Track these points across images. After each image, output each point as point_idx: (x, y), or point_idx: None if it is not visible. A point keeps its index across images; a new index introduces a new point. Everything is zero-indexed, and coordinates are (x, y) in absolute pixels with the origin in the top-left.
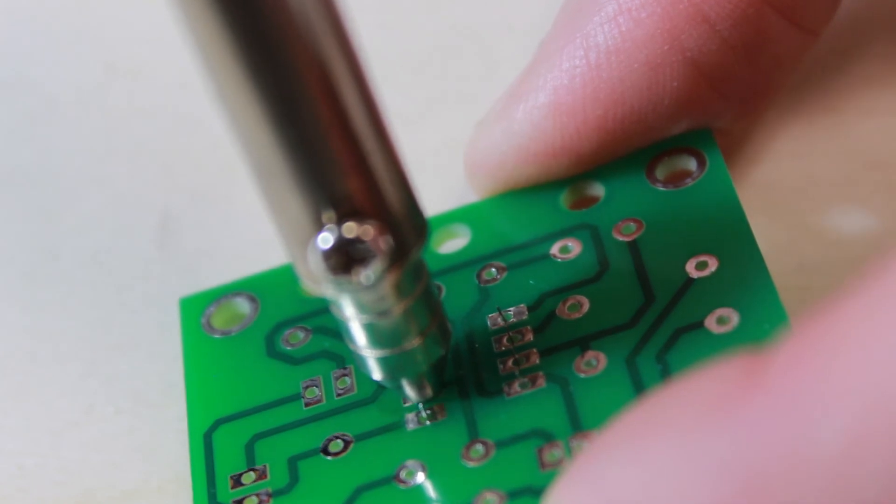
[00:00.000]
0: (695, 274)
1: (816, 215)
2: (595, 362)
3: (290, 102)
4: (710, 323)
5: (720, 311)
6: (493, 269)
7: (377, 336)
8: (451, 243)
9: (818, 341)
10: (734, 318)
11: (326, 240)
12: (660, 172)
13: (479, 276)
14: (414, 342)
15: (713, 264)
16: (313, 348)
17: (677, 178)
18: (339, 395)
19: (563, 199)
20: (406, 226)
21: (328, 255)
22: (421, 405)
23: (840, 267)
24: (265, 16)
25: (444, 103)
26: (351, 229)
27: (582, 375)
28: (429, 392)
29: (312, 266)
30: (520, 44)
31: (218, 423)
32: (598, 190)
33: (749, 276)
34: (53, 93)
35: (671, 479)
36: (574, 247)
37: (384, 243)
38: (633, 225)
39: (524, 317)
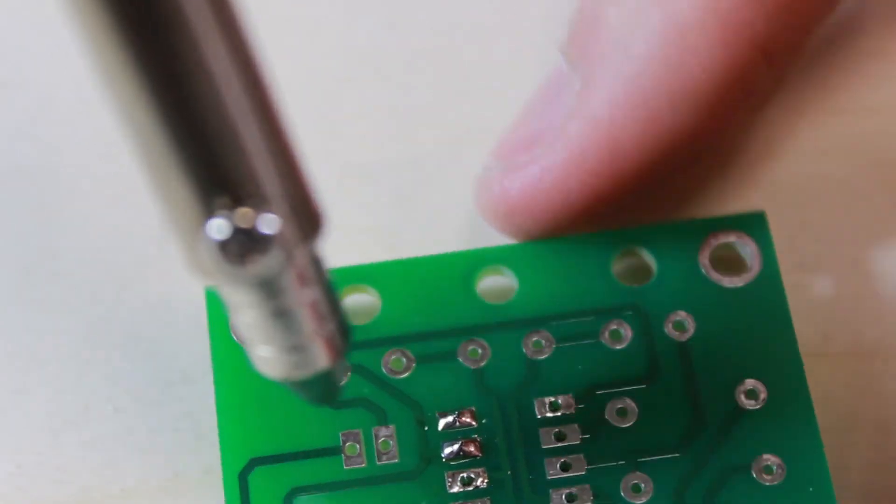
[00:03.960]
0: (744, 403)
1: (817, 214)
2: (643, 487)
3: (176, 82)
4: (758, 470)
5: (767, 459)
6: (542, 341)
7: (271, 333)
8: (493, 280)
9: None
10: (780, 470)
11: (220, 228)
12: (713, 255)
13: (526, 345)
14: (308, 341)
15: (762, 394)
16: (353, 392)
17: (731, 264)
18: (381, 460)
19: (613, 264)
20: (303, 215)
21: (222, 244)
22: (469, 502)
23: (840, 266)
24: None
25: (445, 103)
26: (246, 217)
27: (629, 501)
28: (325, 397)
29: (204, 256)
30: (520, 43)
31: (253, 464)
32: (648, 260)
33: (796, 415)
34: (52, 90)
35: None
36: (625, 333)
37: (281, 232)
38: (685, 322)
39: (572, 410)
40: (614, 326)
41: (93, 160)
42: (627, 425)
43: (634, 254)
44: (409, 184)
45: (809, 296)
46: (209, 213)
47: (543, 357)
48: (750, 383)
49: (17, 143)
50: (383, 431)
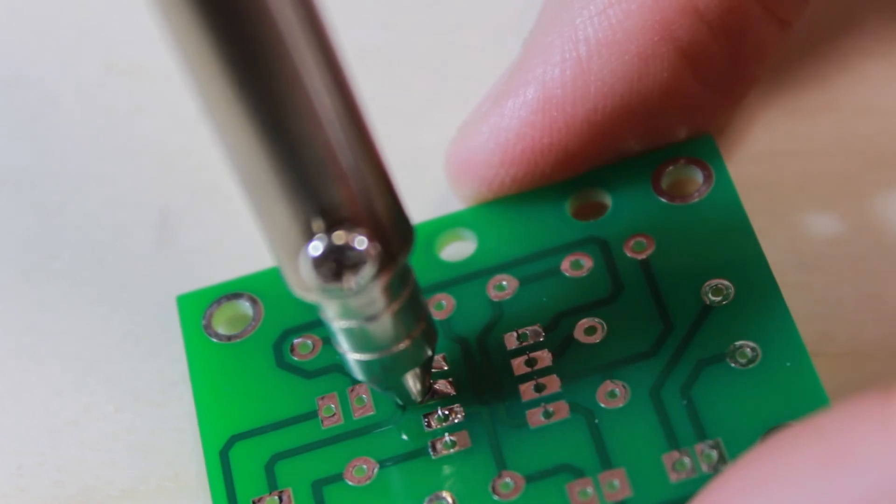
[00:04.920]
0: (711, 301)
1: (817, 215)
2: (618, 393)
3: (277, 115)
4: (731, 357)
5: (740, 344)
6: (504, 283)
7: (365, 340)
8: (455, 246)
9: None
10: (755, 352)
11: (317, 248)
12: (665, 182)
13: (489, 289)
14: (401, 346)
15: (729, 290)
16: (325, 361)
17: (683, 187)
18: (357, 415)
19: (569, 207)
20: (393, 232)
21: (318, 262)
22: (446, 434)
23: (841, 266)
24: (249, 31)
25: (444, 103)
26: (340, 237)
27: (606, 407)
28: (415, 395)
29: (304, 274)
30: (519, 44)
31: (234, 440)
32: (603, 198)
33: (765, 303)
34: (53, 92)
35: None
36: (585, 262)
37: (373, 250)
38: (643, 241)
39: (541, 338)
40: (574, 258)
41: (93, 160)
42: (597, 341)
43: (589, 195)
44: (409, 183)
45: (809, 296)
46: (308, 236)
47: (507, 298)
48: (715, 282)
49: (17, 143)
50: (357, 390)
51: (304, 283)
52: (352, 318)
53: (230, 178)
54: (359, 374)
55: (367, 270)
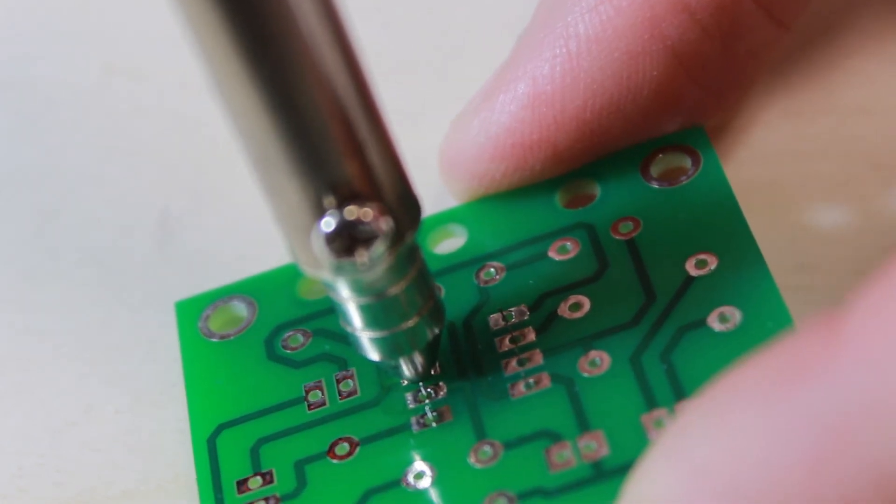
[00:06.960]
0: (695, 272)
1: (817, 215)
2: (599, 361)
3: (288, 90)
4: (713, 321)
5: (722, 309)
6: (492, 270)
7: (375, 317)
8: (448, 243)
9: (890, 293)
10: (736, 315)
11: (329, 224)
12: (654, 170)
13: (477, 276)
14: (410, 322)
15: (713, 262)
16: (314, 351)
17: (672, 175)
18: (342, 397)
19: (559, 198)
20: (402, 208)
21: (331, 238)
22: (427, 408)
23: (841, 266)
24: (262, 4)
25: (444, 103)
26: (352, 212)
27: (586, 375)
28: (424, 370)
29: (316, 250)
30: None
31: (221, 428)
32: (593, 189)
33: (749, 272)
34: (53, 93)
35: (758, 444)
36: (572, 247)
37: (385, 224)
38: (630, 224)
39: (525, 317)
40: (561, 243)
41: (93, 160)
42: (581, 316)
43: (579, 185)
44: None
45: (809, 297)
46: (320, 212)
47: (494, 283)
48: (700, 255)
49: (17, 144)
50: (343, 375)
51: (317, 261)
52: (361, 294)
53: (230, 178)
54: (368, 351)
55: (380, 245)
